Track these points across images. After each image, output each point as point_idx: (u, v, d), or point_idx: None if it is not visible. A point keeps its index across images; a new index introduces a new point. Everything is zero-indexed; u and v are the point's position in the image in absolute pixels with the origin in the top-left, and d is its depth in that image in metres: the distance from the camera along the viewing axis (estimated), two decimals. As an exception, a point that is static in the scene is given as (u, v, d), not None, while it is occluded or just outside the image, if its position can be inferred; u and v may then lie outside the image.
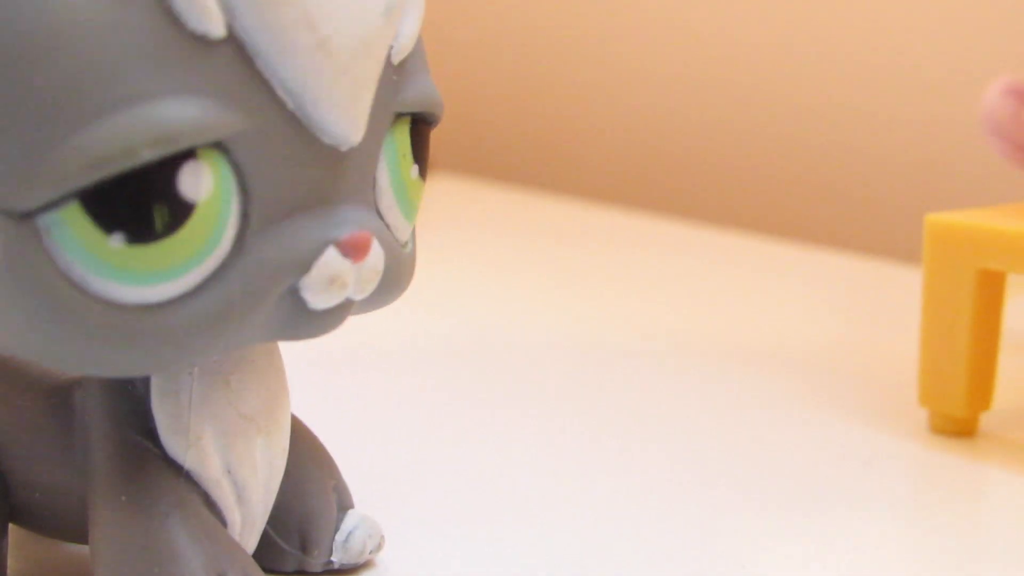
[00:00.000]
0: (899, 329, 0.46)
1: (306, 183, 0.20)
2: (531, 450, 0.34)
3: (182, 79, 0.18)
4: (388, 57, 0.21)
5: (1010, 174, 0.49)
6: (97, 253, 0.18)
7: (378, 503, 0.29)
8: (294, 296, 0.20)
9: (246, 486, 0.23)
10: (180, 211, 0.19)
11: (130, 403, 0.22)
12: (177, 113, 0.18)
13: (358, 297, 0.21)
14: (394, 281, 0.22)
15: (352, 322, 0.22)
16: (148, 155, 0.18)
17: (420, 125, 0.23)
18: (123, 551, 0.21)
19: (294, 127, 0.20)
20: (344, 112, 0.20)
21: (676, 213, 0.72)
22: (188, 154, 0.18)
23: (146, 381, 0.22)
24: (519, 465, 0.33)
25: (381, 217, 0.22)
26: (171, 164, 0.18)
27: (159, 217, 0.19)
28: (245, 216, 0.19)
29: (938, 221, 0.35)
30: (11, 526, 0.25)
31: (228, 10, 0.19)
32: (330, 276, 0.20)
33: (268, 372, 0.23)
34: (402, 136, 0.22)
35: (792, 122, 0.69)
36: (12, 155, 0.18)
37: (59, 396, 0.23)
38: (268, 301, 0.20)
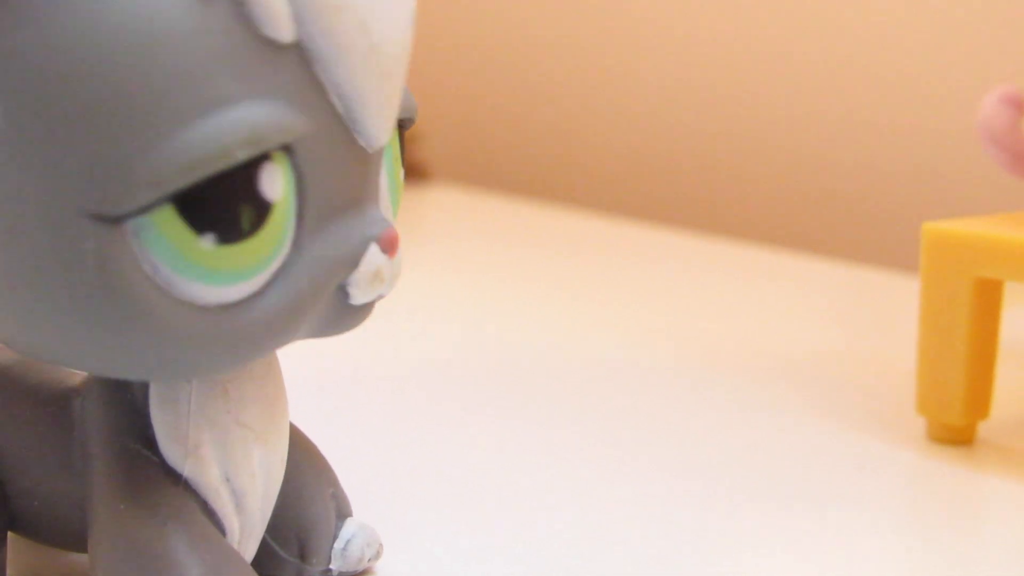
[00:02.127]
0: (897, 337, 0.46)
1: (347, 184, 0.21)
2: (529, 458, 0.34)
3: (259, 83, 0.19)
4: None
5: (1007, 183, 0.49)
6: (187, 255, 0.19)
7: (376, 511, 0.29)
8: (340, 292, 0.21)
9: (245, 494, 0.23)
10: (262, 211, 0.19)
11: (129, 412, 0.22)
12: (263, 115, 0.19)
13: (387, 292, 0.22)
14: None
15: (351, 331, 0.22)
16: (241, 155, 0.19)
17: (401, 129, 0.23)
18: (122, 559, 0.21)
19: (341, 130, 0.20)
20: (383, 115, 0.21)
21: (673, 222, 0.72)
22: (265, 156, 0.19)
23: (144, 390, 0.22)
24: (517, 473, 0.33)
25: None
26: (254, 165, 0.19)
27: (245, 217, 0.19)
28: (301, 217, 0.20)
29: (935, 229, 0.35)
30: (10, 535, 0.25)
31: (296, 16, 0.19)
32: (374, 272, 0.21)
33: (267, 381, 0.23)
34: (395, 140, 0.23)
35: (790, 131, 0.69)
36: (107, 161, 0.18)
37: (58, 404, 0.23)
38: (323, 297, 0.21)
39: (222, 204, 0.19)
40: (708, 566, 0.28)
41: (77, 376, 0.24)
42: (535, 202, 0.77)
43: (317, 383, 0.40)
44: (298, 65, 0.20)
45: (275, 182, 0.19)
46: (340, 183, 0.21)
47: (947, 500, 0.32)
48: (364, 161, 0.21)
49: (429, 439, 0.36)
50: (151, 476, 0.22)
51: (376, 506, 0.29)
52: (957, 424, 0.35)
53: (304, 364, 0.33)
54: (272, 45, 0.19)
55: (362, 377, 0.41)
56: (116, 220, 0.18)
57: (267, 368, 0.23)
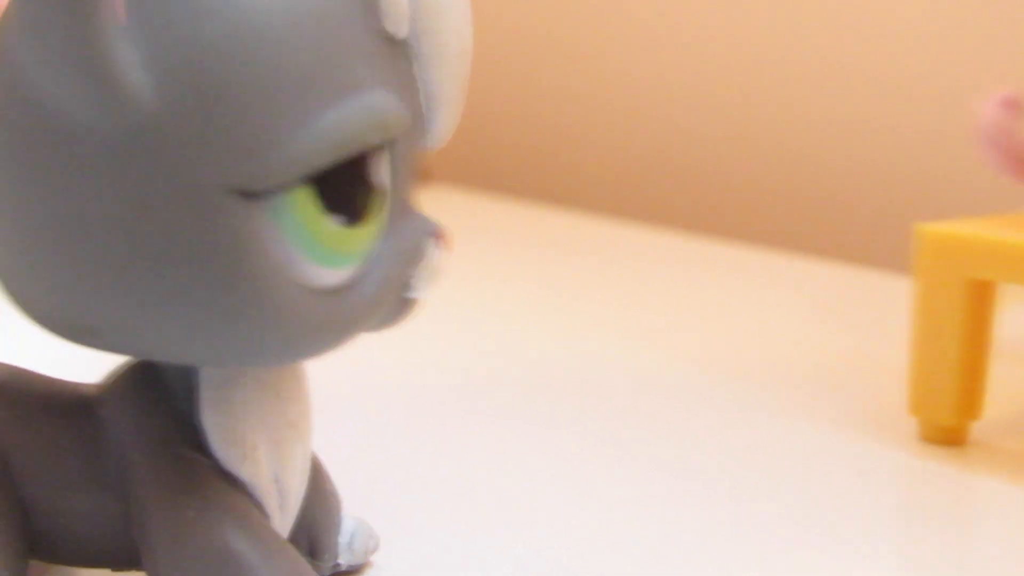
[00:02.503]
0: (890, 338, 0.46)
1: (414, 180, 0.22)
2: (529, 457, 0.34)
3: (381, 73, 0.20)
4: None
5: (1001, 185, 0.49)
6: (315, 234, 0.19)
7: (375, 508, 0.29)
8: (404, 285, 0.22)
9: (290, 493, 0.23)
10: (377, 196, 0.20)
11: (173, 419, 0.22)
12: (389, 104, 0.20)
13: (434, 287, 0.22)
14: None
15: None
16: (373, 140, 0.19)
17: None
18: (198, 565, 0.21)
19: (421, 127, 0.21)
20: (453, 115, 0.22)
21: (669, 224, 0.72)
22: (381, 144, 0.20)
23: (190, 396, 0.22)
24: (516, 472, 0.33)
25: None
26: (374, 152, 0.20)
27: (366, 201, 0.20)
28: (390, 208, 0.21)
29: (929, 231, 0.35)
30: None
31: (410, 14, 0.20)
32: (434, 265, 0.22)
33: (303, 380, 0.23)
34: None
35: (787, 134, 0.69)
36: (255, 137, 0.18)
37: (81, 415, 0.23)
38: (400, 287, 0.21)
39: (350, 187, 0.20)
40: (703, 565, 0.28)
41: (88, 386, 0.23)
42: (536, 204, 0.77)
43: (317, 384, 0.40)
44: (406, 61, 0.20)
45: (383, 170, 0.20)
46: (412, 178, 0.21)
47: (939, 500, 0.33)
48: (420, 160, 0.22)
49: (428, 438, 0.36)
50: (211, 481, 0.22)
51: (375, 503, 0.29)
52: (949, 424, 0.35)
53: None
54: (389, 39, 0.20)
55: (363, 378, 0.41)
56: (257, 196, 0.18)
57: (301, 368, 0.23)
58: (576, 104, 0.79)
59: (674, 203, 0.74)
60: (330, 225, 0.19)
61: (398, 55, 0.20)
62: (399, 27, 0.20)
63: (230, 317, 0.19)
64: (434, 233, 0.22)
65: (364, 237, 0.20)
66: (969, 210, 0.56)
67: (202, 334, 0.19)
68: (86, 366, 0.24)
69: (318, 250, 0.19)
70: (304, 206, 0.19)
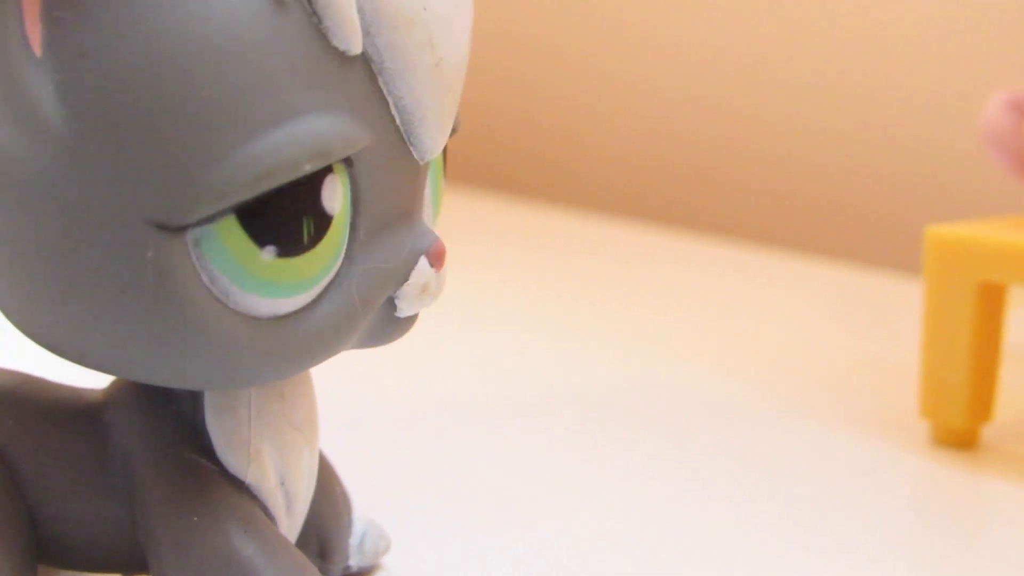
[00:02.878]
0: (900, 341, 0.46)
1: (398, 196, 0.21)
2: (534, 460, 0.34)
3: (327, 94, 0.19)
4: None
5: (1011, 186, 0.49)
6: (247, 266, 0.19)
7: (384, 512, 0.29)
8: (388, 304, 0.21)
9: (296, 497, 0.23)
10: (322, 224, 0.19)
11: (177, 422, 0.22)
12: (330, 127, 0.19)
13: (431, 304, 0.22)
14: None
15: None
16: (308, 168, 0.18)
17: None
18: (204, 571, 0.21)
19: (398, 142, 0.20)
20: (440, 129, 0.21)
21: (676, 224, 0.72)
22: (328, 168, 0.19)
23: (193, 399, 0.22)
24: (522, 476, 0.33)
25: None
26: (318, 178, 0.19)
27: (307, 230, 0.19)
28: (354, 228, 0.20)
29: (939, 233, 0.35)
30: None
31: (364, 28, 0.19)
32: (422, 285, 0.21)
33: (309, 383, 0.23)
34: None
35: (794, 135, 0.69)
36: (174, 169, 0.18)
37: (86, 420, 0.23)
38: (375, 309, 0.21)
39: (285, 217, 0.19)
40: (713, 567, 0.28)
41: (96, 391, 0.23)
42: (542, 205, 0.77)
43: (327, 386, 0.40)
44: (363, 77, 0.19)
45: (336, 195, 0.19)
46: (392, 195, 0.20)
47: (951, 504, 0.33)
48: (415, 173, 0.21)
49: (437, 440, 0.36)
50: (217, 485, 0.21)
51: (385, 504, 0.29)
52: (960, 427, 0.35)
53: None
54: (340, 56, 0.19)
55: (372, 379, 0.41)
56: (179, 229, 0.18)
57: (307, 371, 0.23)
58: (584, 103, 0.79)
59: (683, 204, 0.74)
60: (264, 257, 0.19)
61: (353, 72, 0.19)
62: (350, 43, 0.19)
63: (165, 347, 0.19)
64: (424, 250, 0.21)
65: (309, 266, 0.19)
66: (979, 212, 0.56)
67: (144, 360, 0.19)
68: (89, 372, 0.24)
69: (253, 282, 0.19)
70: (232, 239, 0.18)
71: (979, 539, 0.31)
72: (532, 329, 0.49)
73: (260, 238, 0.19)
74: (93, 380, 0.23)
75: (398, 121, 0.20)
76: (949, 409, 0.35)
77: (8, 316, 0.20)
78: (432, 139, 0.21)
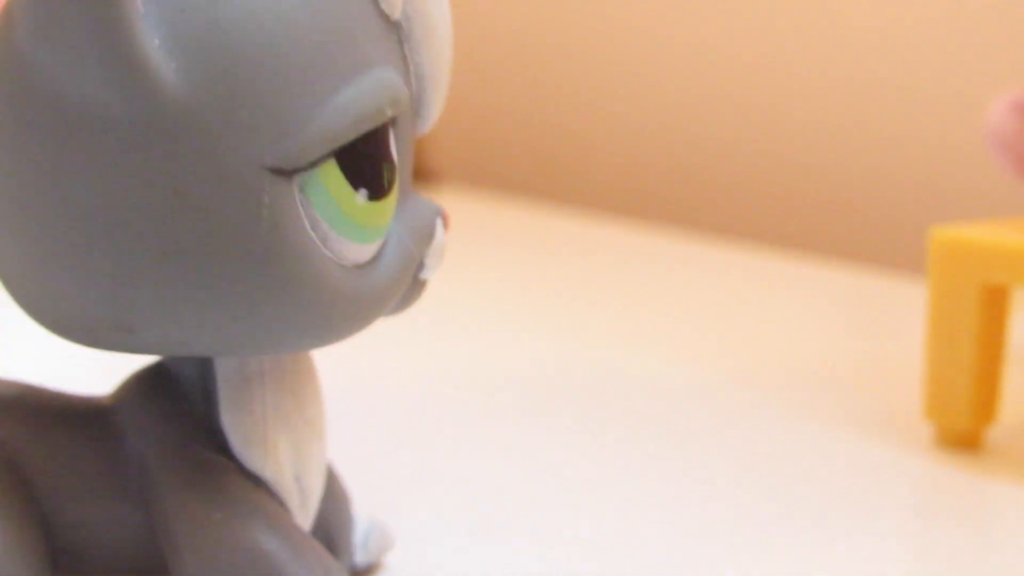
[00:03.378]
0: (904, 342, 0.46)
1: (411, 161, 0.22)
2: (537, 460, 0.34)
3: (384, 52, 0.20)
4: None
5: (1015, 188, 0.49)
6: (345, 208, 0.20)
7: (386, 510, 0.29)
8: (418, 266, 0.22)
9: (310, 492, 0.23)
10: (392, 170, 0.20)
11: (191, 422, 0.22)
12: (396, 80, 0.20)
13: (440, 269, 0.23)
14: None
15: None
16: (390, 114, 0.20)
17: None
18: (228, 566, 0.21)
19: (414, 109, 0.22)
20: (439, 102, 0.22)
21: (680, 225, 0.72)
22: (391, 120, 0.20)
23: (207, 398, 0.22)
24: (524, 475, 0.33)
25: None
26: (387, 128, 0.20)
27: (387, 175, 0.20)
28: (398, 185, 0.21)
29: (943, 235, 0.35)
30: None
31: None
32: (441, 245, 0.22)
33: (316, 381, 0.23)
34: None
35: (799, 136, 0.69)
36: (286, 115, 0.19)
37: (97, 425, 0.23)
38: (414, 266, 0.22)
39: (372, 161, 0.20)
40: (716, 567, 0.28)
41: (101, 397, 0.23)
42: (545, 205, 0.77)
43: (329, 384, 0.40)
44: (398, 42, 0.21)
45: (394, 146, 0.20)
46: (409, 159, 0.22)
47: (955, 504, 0.33)
48: (414, 144, 0.22)
49: (440, 438, 0.36)
50: (236, 482, 0.22)
51: (388, 503, 0.29)
52: (964, 429, 0.35)
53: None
54: (386, 20, 0.20)
55: (374, 378, 0.41)
56: (290, 174, 0.19)
57: (313, 366, 0.24)
58: (588, 104, 0.79)
59: (686, 205, 0.74)
60: (359, 199, 0.20)
61: (393, 36, 0.21)
62: (393, 9, 0.20)
63: (272, 296, 0.19)
64: (439, 213, 0.22)
65: (386, 211, 0.20)
66: (983, 214, 0.56)
67: (243, 318, 0.19)
68: (89, 378, 0.24)
69: (348, 225, 0.20)
70: (334, 181, 0.19)
71: (983, 540, 0.31)
72: (535, 329, 0.49)
73: (355, 181, 0.20)
74: (93, 385, 0.23)
75: (415, 88, 0.21)
76: (953, 410, 0.35)
77: (45, 310, 0.20)
78: (434, 110, 0.22)
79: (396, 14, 0.20)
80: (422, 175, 0.75)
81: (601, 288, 0.57)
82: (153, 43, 0.18)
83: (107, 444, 0.22)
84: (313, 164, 0.19)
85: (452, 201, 0.75)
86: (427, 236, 0.22)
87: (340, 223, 0.20)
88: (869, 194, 0.66)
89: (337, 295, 0.20)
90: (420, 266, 0.22)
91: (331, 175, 0.19)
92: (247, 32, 0.18)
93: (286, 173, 0.19)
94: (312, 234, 0.19)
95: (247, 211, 0.18)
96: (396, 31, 0.21)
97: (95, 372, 0.22)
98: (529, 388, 0.42)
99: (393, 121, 0.20)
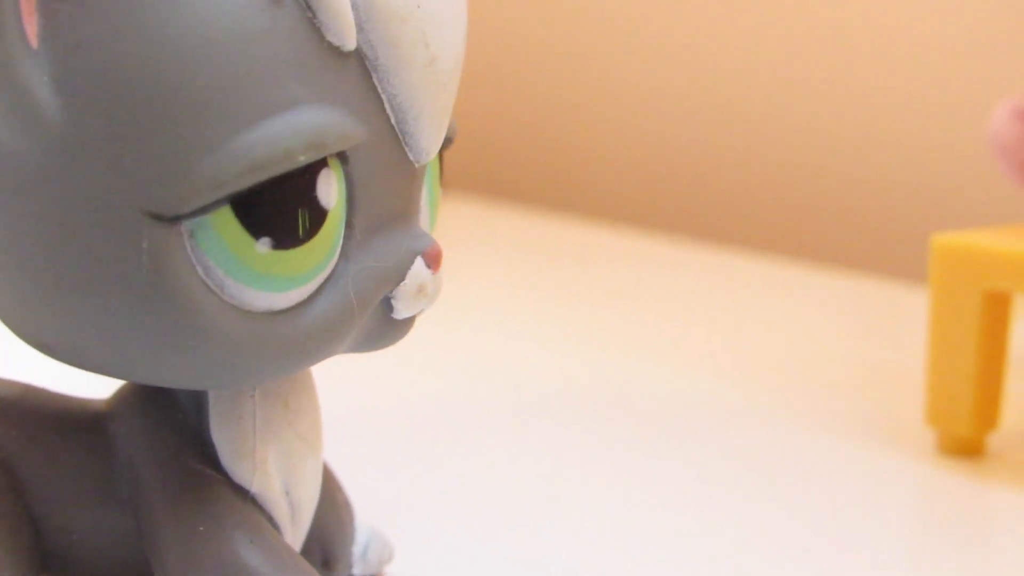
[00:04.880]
0: (906, 349, 0.46)
1: (394, 196, 0.21)
2: (541, 468, 0.34)
3: (322, 88, 0.19)
4: None
5: (1016, 195, 0.49)
6: (242, 258, 0.19)
7: (386, 520, 0.29)
8: (384, 305, 0.21)
9: (300, 506, 0.23)
10: (317, 217, 0.19)
11: (182, 432, 0.22)
12: (325, 120, 0.19)
13: (428, 307, 0.22)
14: None
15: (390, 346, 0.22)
16: (303, 159, 0.18)
17: (440, 149, 0.23)
18: None
19: (393, 141, 0.20)
20: (435, 129, 0.21)
21: (683, 233, 0.72)
22: (323, 162, 0.19)
23: (198, 409, 0.22)
24: (527, 484, 0.33)
25: None
26: (313, 171, 0.19)
27: (302, 223, 0.19)
28: (350, 226, 0.20)
29: (945, 241, 0.35)
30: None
31: (359, 24, 0.19)
32: (419, 286, 0.21)
33: (312, 391, 0.23)
34: (435, 158, 0.23)
35: (800, 143, 0.69)
36: (170, 159, 0.18)
37: (91, 431, 0.22)
38: (369, 309, 0.21)
39: (280, 208, 0.19)
40: (717, 574, 0.28)
41: (99, 401, 0.23)
42: (550, 213, 0.77)
43: (330, 393, 0.40)
44: (358, 74, 0.19)
45: (331, 189, 0.19)
46: (388, 195, 0.20)
47: (956, 512, 0.32)
48: (411, 175, 0.21)
49: (441, 448, 0.36)
50: (222, 495, 0.21)
51: (388, 513, 0.29)
52: (966, 436, 0.35)
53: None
54: (335, 52, 0.19)
55: (375, 387, 0.41)
56: (174, 220, 0.18)
57: (310, 379, 0.23)
58: (592, 112, 0.79)
59: (687, 212, 0.74)
60: (259, 248, 0.19)
61: (348, 68, 0.19)
62: (344, 39, 0.19)
63: (159, 341, 0.19)
64: (421, 251, 0.21)
65: (304, 259, 0.19)
66: (985, 220, 0.56)
67: (138, 357, 0.19)
68: (90, 381, 0.24)
69: (248, 274, 0.19)
70: (227, 229, 0.18)
71: (985, 547, 0.31)
72: (536, 337, 0.49)
73: (255, 229, 0.19)
74: (94, 390, 0.23)
75: (393, 120, 0.20)
76: (955, 417, 0.35)
77: (2, 317, 0.20)
78: (427, 140, 0.21)
79: (349, 44, 0.19)
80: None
81: (605, 295, 0.57)
82: (41, 79, 0.18)
83: (100, 450, 0.22)
84: (201, 211, 0.18)
85: (456, 209, 0.75)
86: (389, 278, 0.21)
87: (238, 272, 0.19)
88: (870, 201, 0.67)
89: (239, 342, 0.19)
90: (388, 307, 0.21)
91: (225, 222, 0.18)
92: (141, 72, 0.18)
93: (168, 219, 0.18)
94: (206, 280, 0.19)
95: (126, 255, 0.18)
96: (355, 62, 0.19)
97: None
98: (532, 395, 0.42)
99: (344, 159, 0.19)
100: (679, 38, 0.74)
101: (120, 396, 0.23)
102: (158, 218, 0.18)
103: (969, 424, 0.35)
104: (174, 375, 0.19)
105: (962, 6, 0.63)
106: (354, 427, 0.37)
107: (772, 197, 0.70)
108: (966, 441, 0.35)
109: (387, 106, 0.20)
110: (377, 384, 0.42)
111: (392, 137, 0.20)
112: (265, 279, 0.19)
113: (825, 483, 0.34)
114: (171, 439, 0.22)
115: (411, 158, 0.21)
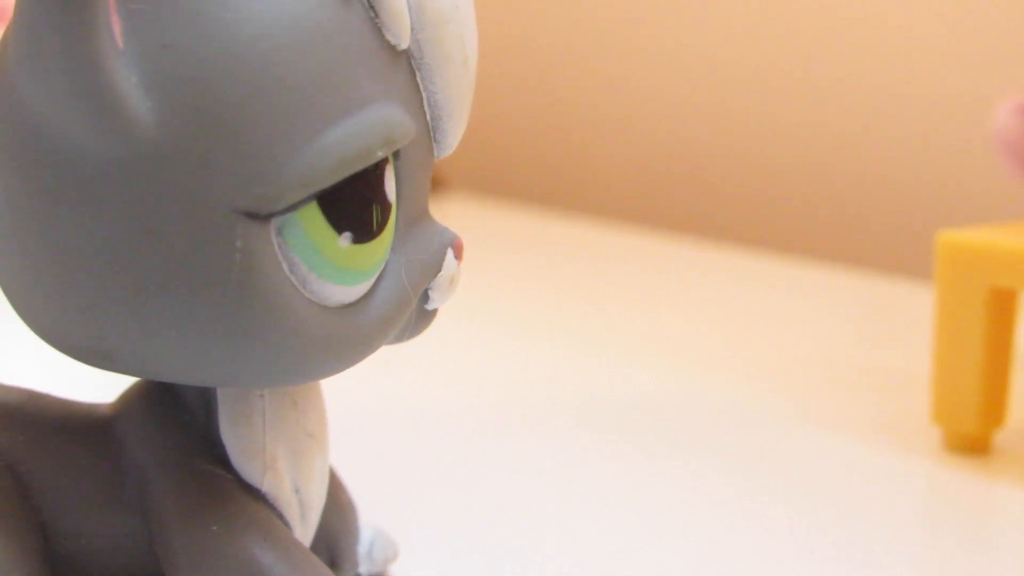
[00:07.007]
0: (911, 347, 0.46)
1: (424, 190, 0.21)
2: (546, 469, 0.34)
3: (385, 86, 0.20)
4: None
5: (1021, 191, 0.49)
6: (325, 252, 0.19)
7: (390, 520, 0.29)
8: (422, 296, 0.22)
9: (310, 503, 0.23)
10: (386, 211, 0.20)
11: (191, 433, 0.22)
12: (395, 116, 0.20)
13: (452, 298, 0.22)
14: None
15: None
16: (380, 155, 0.19)
17: None
18: None
19: (427, 138, 0.21)
20: (460, 126, 0.22)
21: (687, 232, 0.72)
22: (387, 157, 0.20)
23: (207, 409, 0.22)
24: (530, 486, 0.33)
25: None
26: (382, 167, 0.20)
27: (376, 216, 0.20)
28: (397, 220, 0.21)
29: (950, 239, 0.35)
30: None
31: (411, 25, 0.20)
32: (451, 276, 0.22)
33: (318, 390, 0.23)
34: None
35: (805, 141, 0.69)
36: (261, 158, 0.18)
37: (98, 434, 0.22)
38: (418, 299, 0.21)
39: (359, 203, 0.19)
40: (724, 573, 0.28)
41: (103, 405, 0.23)
42: (553, 212, 0.77)
43: (334, 394, 0.40)
44: (407, 72, 0.20)
45: (392, 184, 0.20)
46: (421, 189, 0.21)
47: (963, 509, 0.32)
48: (431, 170, 0.22)
49: (445, 448, 0.36)
50: (233, 495, 0.21)
51: (392, 513, 0.29)
52: (973, 433, 0.35)
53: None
54: (392, 50, 0.20)
55: (380, 387, 0.41)
56: (266, 218, 0.18)
57: None
58: (595, 111, 0.79)
59: (692, 211, 0.74)
60: (342, 243, 0.19)
61: (401, 66, 0.20)
62: (401, 38, 0.20)
63: (245, 340, 0.19)
64: (450, 243, 0.22)
65: (375, 253, 0.20)
66: (990, 217, 0.56)
67: (217, 358, 0.19)
68: (95, 386, 0.24)
69: (330, 269, 0.19)
70: (313, 225, 0.19)
71: (992, 545, 0.31)
72: (541, 336, 0.49)
73: (338, 224, 0.19)
74: (96, 396, 0.23)
75: (428, 116, 0.21)
76: (961, 415, 0.35)
77: (39, 326, 0.20)
78: (454, 136, 0.21)
79: (404, 43, 0.20)
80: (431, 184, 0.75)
81: (607, 294, 0.57)
82: (130, 80, 0.18)
83: (107, 453, 0.22)
84: (291, 208, 0.18)
85: (460, 209, 0.75)
86: (431, 269, 0.21)
87: (321, 266, 0.19)
88: (876, 198, 0.66)
89: (317, 337, 0.19)
90: (425, 297, 0.21)
91: (311, 218, 0.19)
92: (227, 72, 0.18)
93: (260, 217, 0.18)
94: (290, 277, 0.19)
95: (218, 254, 0.18)
96: (406, 60, 0.20)
97: (101, 375, 0.22)
98: (537, 395, 0.42)
99: (396, 155, 0.20)
100: (680, 38, 0.74)
101: (127, 398, 0.23)
102: (252, 216, 0.18)
103: (975, 421, 0.35)
104: (251, 374, 0.19)
105: (965, 3, 0.63)
106: (358, 427, 0.37)
107: (776, 195, 0.70)
108: (972, 438, 0.35)
109: (425, 103, 0.21)
110: (379, 384, 0.42)
111: (426, 134, 0.21)
112: (343, 273, 0.19)
113: (831, 481, 0.34)
114: (180, 440, 0.22)
115: (435, 153, 0.21)
